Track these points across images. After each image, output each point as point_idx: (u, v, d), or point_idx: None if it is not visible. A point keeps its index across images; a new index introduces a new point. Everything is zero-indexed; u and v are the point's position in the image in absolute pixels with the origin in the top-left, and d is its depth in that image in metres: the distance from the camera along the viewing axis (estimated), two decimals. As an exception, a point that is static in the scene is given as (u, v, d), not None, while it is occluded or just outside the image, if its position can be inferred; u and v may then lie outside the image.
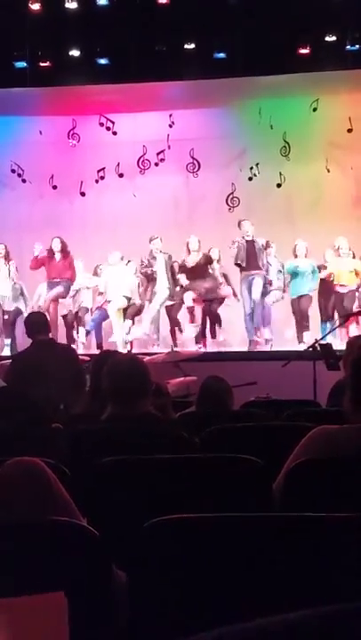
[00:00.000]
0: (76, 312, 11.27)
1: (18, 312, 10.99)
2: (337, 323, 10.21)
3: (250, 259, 10.62)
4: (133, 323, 11.06)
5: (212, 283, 10.78)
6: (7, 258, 11.21)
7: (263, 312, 10.83)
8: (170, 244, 11.08)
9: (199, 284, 10.72)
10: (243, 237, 10.73)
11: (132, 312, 11.02)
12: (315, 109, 11.74)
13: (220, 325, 10.90)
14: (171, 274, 10.76)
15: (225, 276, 11.00)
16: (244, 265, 10.63)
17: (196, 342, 10.81)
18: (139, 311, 11.05)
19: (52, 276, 10.97)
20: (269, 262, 10.83)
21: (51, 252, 10.95)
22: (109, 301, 10.89)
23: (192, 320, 10.84)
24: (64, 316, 11.23)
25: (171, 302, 10.93)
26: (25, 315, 11.09)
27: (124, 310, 10.97)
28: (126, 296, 10.87)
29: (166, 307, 11.01)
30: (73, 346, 9.15)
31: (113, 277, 10.91)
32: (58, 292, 10.95)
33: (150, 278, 10.80)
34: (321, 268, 10.81)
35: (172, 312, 10.98)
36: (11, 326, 11.10)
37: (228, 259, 10.97)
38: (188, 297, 10.74)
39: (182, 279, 10.77)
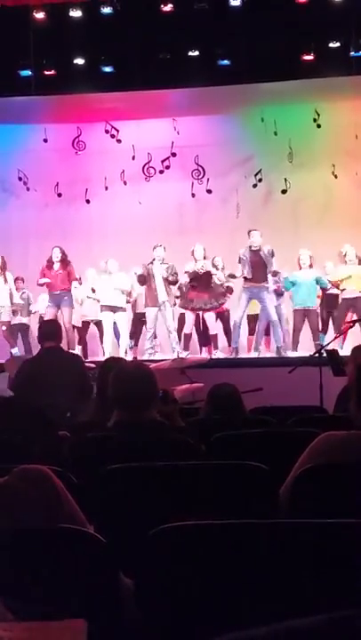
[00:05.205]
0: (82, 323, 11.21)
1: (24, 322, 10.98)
2: (344, 328, 10.09)
3: (255, 270, 10.27)
4: (135, 331, 11.04)
5: (214, 292, 10.63)
6: (3, 268, 10.87)
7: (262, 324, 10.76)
8: (174, 250, 11.00)
9: (202, 294, 10.56)
10: (249, 248, 10.34)
11: (132, 319, 10.99)
12: (319, 115, 11.76)
13: (208, 339, 10.85)
14: (168, 283, 10.48)
15: (228, 286, 10.79)
16: (249, 277, 10.26)
17: (201, 349, 10.82)
18: (138, 319, 11.00)
19: (52, 287, 10.79)
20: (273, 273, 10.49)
21: (50, 262, 10.77)
22: (113, 311, 10.80)
23: (195, 329, 10.78)
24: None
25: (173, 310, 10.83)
26: (30, 323, 11.16)
27: (132, 318, 10.97)
28: (121, 306, 10.79)
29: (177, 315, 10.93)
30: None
31: (111, 286, 10.71)
32: (58, 303, 10.82)
33: (148, 285, 10.58)
34: (320, 279, 10.63)
35: (177, 321, 10.92)
36: (16, 335, 11.08)
37: (231, 267, 10.81)
38: (193, 307, 10.61)
39: (185, 287, 10.67)
